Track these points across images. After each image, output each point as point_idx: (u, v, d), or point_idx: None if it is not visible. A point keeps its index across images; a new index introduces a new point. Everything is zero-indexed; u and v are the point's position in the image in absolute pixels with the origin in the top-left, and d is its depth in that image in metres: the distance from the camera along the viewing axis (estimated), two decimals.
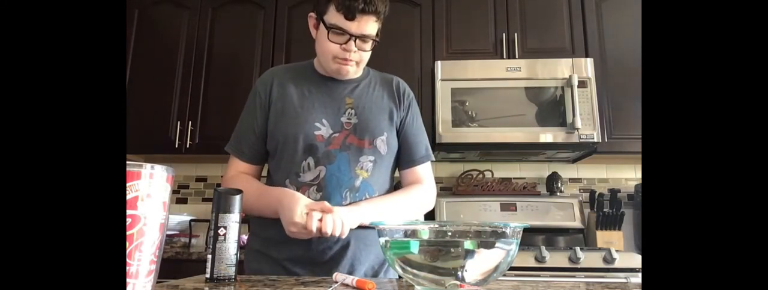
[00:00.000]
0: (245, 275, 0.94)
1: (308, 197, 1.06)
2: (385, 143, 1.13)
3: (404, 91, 1.22)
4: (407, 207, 1.12)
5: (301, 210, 0.95)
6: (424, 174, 1.20)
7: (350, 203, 1.07)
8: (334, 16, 1.05)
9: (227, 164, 1.18)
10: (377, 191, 1.12)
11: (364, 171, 1.11)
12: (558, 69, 2.24)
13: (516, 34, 2.40)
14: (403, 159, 1.20)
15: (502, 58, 2.37)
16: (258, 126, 1.14)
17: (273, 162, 1.16)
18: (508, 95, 2.23)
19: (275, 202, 1.01)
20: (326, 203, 0.97)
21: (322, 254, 1.06)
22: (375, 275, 1.11)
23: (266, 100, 1.15)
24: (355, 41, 1.07)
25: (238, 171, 1.16)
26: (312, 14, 1.12)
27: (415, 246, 0.65)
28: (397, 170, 1.21)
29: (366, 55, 1.12)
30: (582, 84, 2.21)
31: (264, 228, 1.12)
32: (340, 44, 1.07)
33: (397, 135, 1.18)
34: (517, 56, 2.36)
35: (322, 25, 1.09)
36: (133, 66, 2.50)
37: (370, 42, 1.09)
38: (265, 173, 1.19)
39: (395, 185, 1.20)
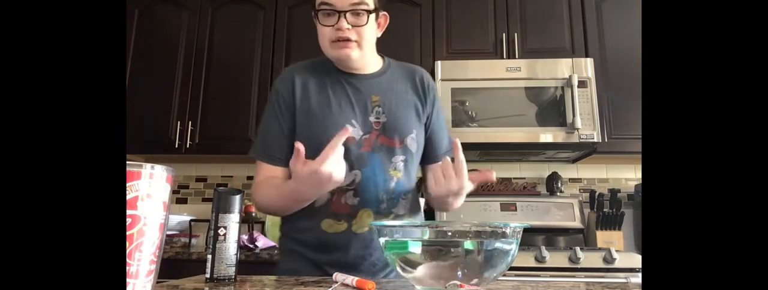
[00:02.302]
0: (247, 274, 0.94)
1: (345, 202, 1.05)
2: (415, 141, 1.10)
3: (427, 84, 1.16)
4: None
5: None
6: None
7: (387, 206, 1.05)
8: None
9: (256, 170, 1.14)
10: (409, 192, 1.11)
11: (398, 172, 1.08)
12: (558, 69, 2.24)
13: (516, 34, 2.40)
14: (429, 154, 1.16)
15: (502, 58, 2.37)
16: (286, 128, 1.10)
17: None
18: (508, 95, 2.23)
19: (293, 187, 0.95)
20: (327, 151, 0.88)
21: (362, 259, 1.05)
22: None
23: (291, 100, 1.10)
24: (345, 16, 1.01)
25: (267, 176, 1.11)
26: (313, 12, 1.09)
27: (415, 246, 0.65)
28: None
29: (367, 33, 1.05)
30: (582, 84, 2.21)
31: (300, 232, 1.09)
32: (333, 25, 1.03)
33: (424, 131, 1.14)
34: (517, 56, 2.36)
35: (315, 16, 1.05)
36: (133, 66, 2.50)
37: (364, 14, 1.03)
38: None
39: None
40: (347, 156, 1.03)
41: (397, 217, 1.08)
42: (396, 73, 1.16)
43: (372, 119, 1.08)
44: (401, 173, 1.09)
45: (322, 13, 1.03)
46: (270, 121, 1.12)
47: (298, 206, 1.03)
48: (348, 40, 1.03)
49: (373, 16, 1.05)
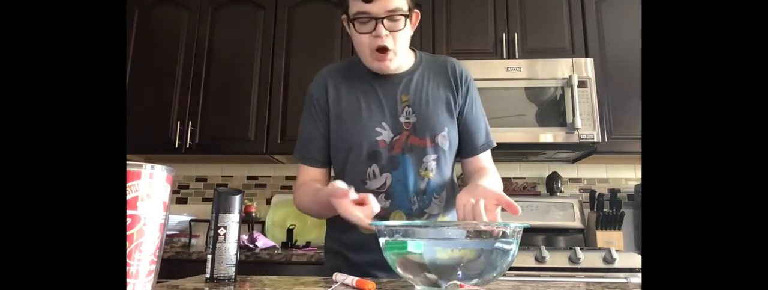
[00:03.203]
0: (247, 274, 0.94)
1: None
2: (447, 139, 1.09)
3: (461, 74, 1.14)
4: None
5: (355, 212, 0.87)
6: (487, 161, 1.16)
7: (419, 208, 1.06)
8: (354, 5, 1.01)
9: (297, 173, 1.15)
10: (443, 189, 1.10)
11: (429, 172, 1.08)
12: (558, 69, 2.24)
13: (516, 34, 2.40)
14: (465, 148, 1.15)
15: (502, 58, 2.37)
16: (322, 131, 1.11)
17: (336, 169, 1.13)
18: (508, 95, 2.23)
19: (327, 203, 0.93)
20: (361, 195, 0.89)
21: None
22: None
23: (324, 104, 1.11)
24: (382, 23, 1.00)
25: (309, 177, 1.13)
26: (343, 17, 1.07)
27: (415, 246, 0.65)
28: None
29: (403, 38, 1.04)
30: (582, 84, 2.21)
31: (341, 232, 1.11)
32: (370, 33, 1.01)
33: (458, 123, 1.13)
34: (517, 56, 2.36)
35: (350, 23, 1.04)
36: (133, 66, 2.50)
37: (401, 19, 1.02)
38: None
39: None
40: (377, 159, 1.06)
41: (430, 217, 1.09)
42: (427, 68, 1.14)
43: (402, 119, 1.08)
44: (433, 172, 1.08)
45: (359, 22, 1.02)
46: (306, 124, 1.14)
47: (333, 213, 1.00)
48: (386, 50, 1.02)
49: (409, 20, 1.04)
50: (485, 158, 1.17)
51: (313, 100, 1.13)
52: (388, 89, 1.11)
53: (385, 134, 1.07)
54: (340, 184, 0.87)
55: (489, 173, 1.11)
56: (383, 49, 1.02)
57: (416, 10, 1.10)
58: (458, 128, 1.13)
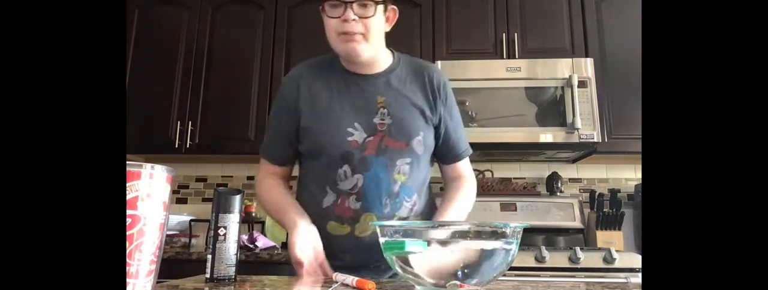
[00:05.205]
0: (247, 274, 0.94)
1: (348, 206, 1.05)
2: (422, 144, 1.08)
3: (438, 84, 1.12)
4: (467, 210, 1.11)
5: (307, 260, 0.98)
6: (465, 168, 1.17)
7: (390, 210, 1.06)
8: None
9: (259, 165, 1.18)
10: (415, 192, 1.09)
11: (402, 175, 1.07)
12: (558, 69, 2.24)
13: (516, 34, 2.40)
14: (445, 156, 1.15)
15: (502, 58, 2.36)
16: (286, 130, 1.11)
17: (307, 167, 1.13)
18: (508, 95, 2.23)
19: (285, 227, 1.07)
20: (322, 259, 0.99)
21: (365, 264, 1.07)
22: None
23: (294, 103, 1.09)
24: (351, 7, 0.99)
25: (268, 172, 1.15)
26: (320, 7, 1.06)
27: (414, 246, 0.65)
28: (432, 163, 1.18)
29: (374, 25, 1.02)
30: (582, 84, 2.21)
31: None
32: (339, 17, 1.00)
33: (434, 131, 1.12)
34: (517, 56, 2.36)
35: (323, 10, 1.03)
36: (133, 66, 2.50)
37: (371, 5, 1.00)
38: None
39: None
40: (349, 160, 1.05)
41: (400, 220, 1.08)
42: (405, 71, 1.12)
43: (377, 120, 1.06)
44: (406, 176, 1.07)
45: (329, 5, 1.01)
46: (273, 120, 1.15)
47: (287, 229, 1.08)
48: (354, 33, 1.00)
49: (380, 7, 1.03)
50: (464, 164, 1.17)
51: (283, 97, 1.12)
52: (363, 88, 1.09)
53: (357, 134, 1.05)
54: (301, 254, 0.97)
55: (465, 188, 1.13)
56: (351, 33, 1.00)
57: (394, 7, 1.09)
58: (440, 136, 1.13)
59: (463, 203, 1.11)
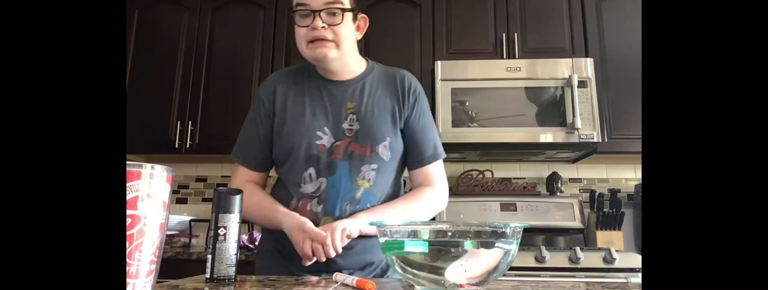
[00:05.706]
0: (247, 274, 0.94)
1: (309, 209, 1.05)
2: (388, 149, 1.08)
3: (409, 86, 1.14)
4: (410, 214, 1.08)
5: (302, 242, 0.97)
6: (435, 174, 1.14)
7: (350, 216, 1.04)
8: None
9: (233, 170, 1.17)
10: (379, 200, 1.09)
11: (366, 181, 1.07)
12: (558, 69, 2.24)
13: (516, 34, 2.40)
14: (411, 160, 1.14)
15: (502, 58, 2.36)
16: (262, 135, 1.12)
17: (279, 171, 1.14)
18: (508, 95, 2.23)
19: (277, 224, 1.04)
20: (314, 231, 0.97)
21: (323, 267, 1.03)
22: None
23: (270, 108, 1.12)
24: (320, 16, 1.02)
25: (244, 179, 1.14)
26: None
27: (414, 246, 0.65)
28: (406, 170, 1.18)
29: (344, 33, 1.05)
30: (582, 84, 2.21)
31: (277, 232, 1.09)
32: (308, 26, 1.03)
33: (402, 134, 1.12)
34: (517, 56, 2.36)
35: (293, 18, 1.06)
36: (133, 66, 2.50)
37: (339, 14, 1.03)
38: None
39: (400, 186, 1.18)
40: (315, 163, 1.06)
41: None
42: (377, 77, 1.14)
43: (345, 126, 1.08)
44: (370, 182, 1.07)
45: (298, 15, 1.04)
46: (249, 126, 1.16)
47: (274, 228, 1.07)
48: (324, 39, 1.03)
49: (349, 15, 1.05)
50: (433, 169, 1.15)
51: (260, 103, 1.14)
52: (334, 94, 1.11)
53: (325, 139, 1.07)
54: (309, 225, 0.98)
55: (420, 192, 1.12)
56: (321, 39, 1.03)
57: (364, 16, 1.12)
58: (405, 139, 1.12)
59: (404, 206, 1.09)
